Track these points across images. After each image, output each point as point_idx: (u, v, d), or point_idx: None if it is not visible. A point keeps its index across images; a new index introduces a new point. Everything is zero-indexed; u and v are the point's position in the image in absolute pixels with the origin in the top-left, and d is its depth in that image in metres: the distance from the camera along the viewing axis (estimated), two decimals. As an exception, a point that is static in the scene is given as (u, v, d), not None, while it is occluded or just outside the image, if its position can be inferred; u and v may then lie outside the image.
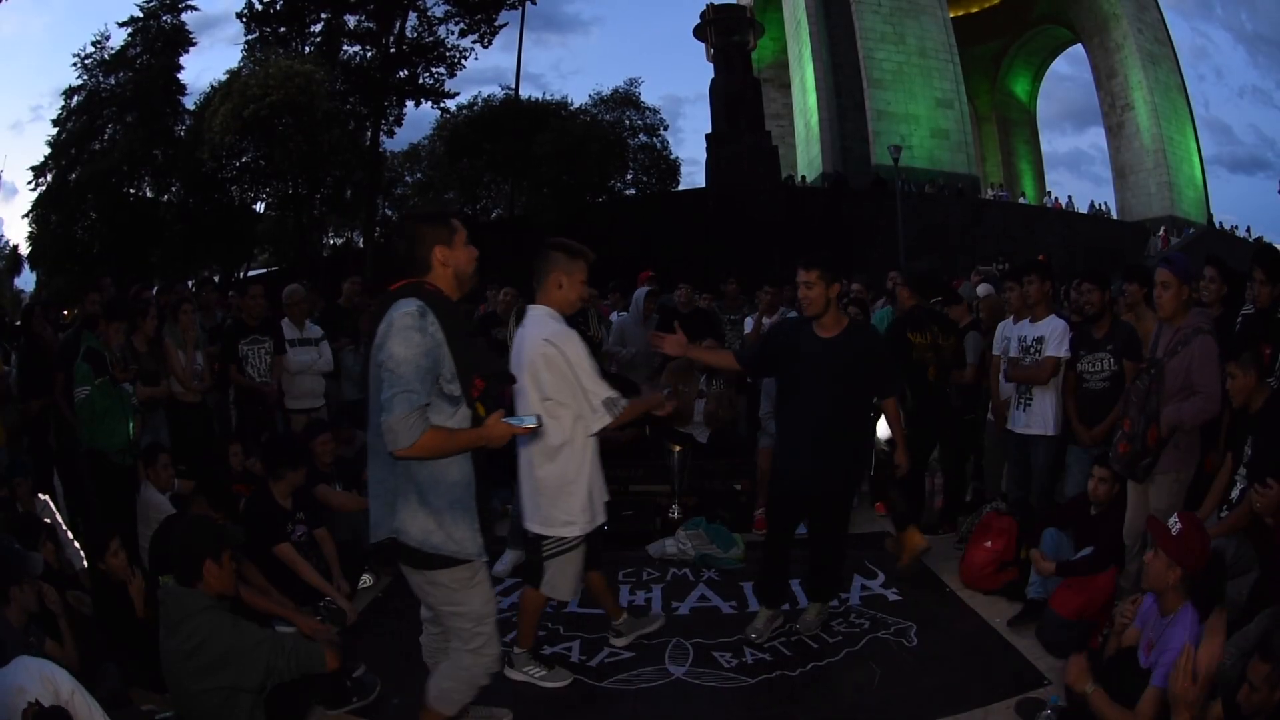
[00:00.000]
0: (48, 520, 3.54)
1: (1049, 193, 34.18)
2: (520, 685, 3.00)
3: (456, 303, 2.20)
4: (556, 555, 2.90)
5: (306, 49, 19.88)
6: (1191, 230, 28.71)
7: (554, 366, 2.71)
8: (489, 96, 21.84)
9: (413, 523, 2.10)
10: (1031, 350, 4.11)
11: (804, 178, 28.64)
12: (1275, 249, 3.86)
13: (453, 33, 21.25)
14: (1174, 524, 2.42)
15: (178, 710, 2.42)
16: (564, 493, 2.82)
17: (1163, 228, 28.00)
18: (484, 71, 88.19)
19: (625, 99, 20.97)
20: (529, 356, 2.75)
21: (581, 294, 2.89)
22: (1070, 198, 31.13)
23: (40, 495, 3.85)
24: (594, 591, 3.30)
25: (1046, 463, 4.08)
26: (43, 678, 2.07)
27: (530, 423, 2.16)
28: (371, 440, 2.15)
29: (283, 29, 20.43)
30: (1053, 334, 4.05)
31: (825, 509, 3.35)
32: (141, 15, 20.90)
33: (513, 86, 22.87)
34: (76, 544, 3.62)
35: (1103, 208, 31.48)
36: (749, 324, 6.18)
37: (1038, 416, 4.08)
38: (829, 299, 3.15)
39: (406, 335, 2.00)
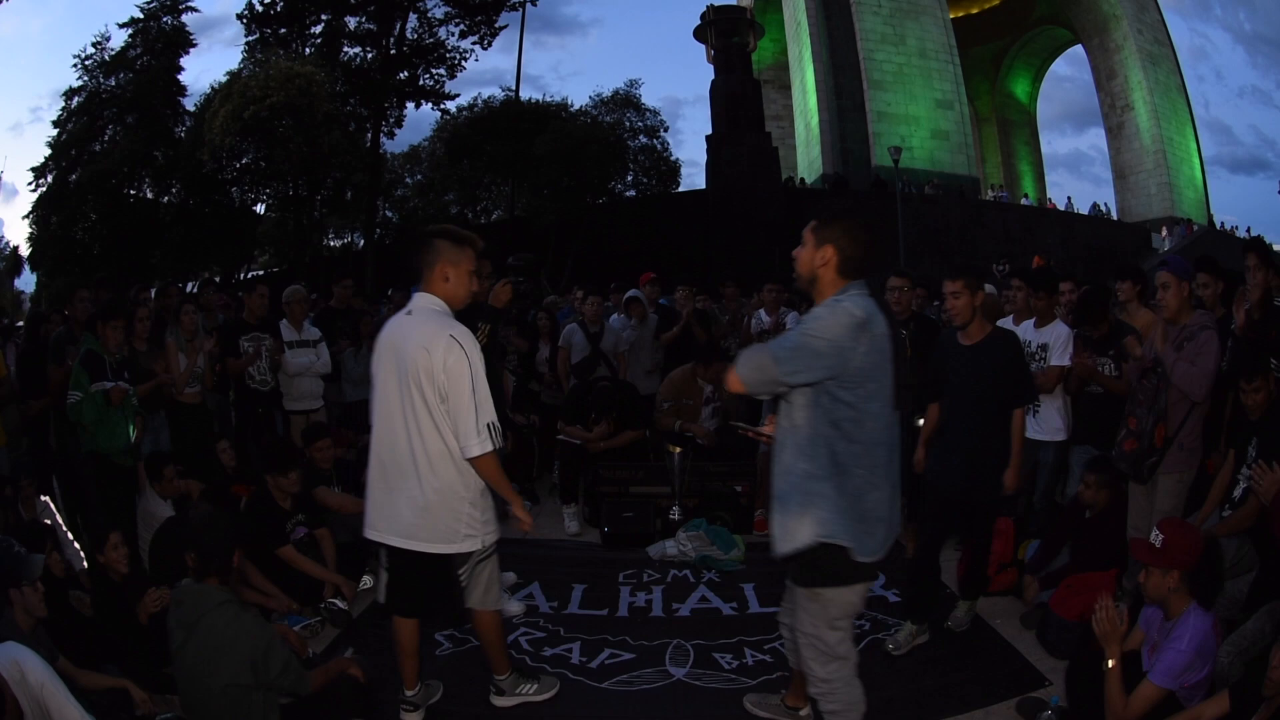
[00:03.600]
0: (48, 521, 3.54)
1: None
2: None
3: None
4: (476, 568, 2.65)
5: (307, 50, 19.90)
6: (1185, 230, 28.65)
7: (456, 369, 2.41)
8: (489, 98, 21.87)
9: None
10: (1036, 357, 4.09)
11: (804, 179, 28.65)
12: (1263, 241, 3.89)
13: (453, 34, 21.31)
14: (1155, 537, 2.43)
15: (188, 710, 2.41)
16: (464, 501, 2.52)
17: (1164, 227, 27.99)
18: (483, 73, 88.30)
19: (625, 100, 20.96)
20: (417, 350, 2.42)
21: (471, 286, 2.61)
22: (1070, 199, 31.19)
23: (41, 497, 3.85)
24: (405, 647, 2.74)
25: (1055, 461, 4.09)
26: (13, 662, 2.05)
27: None
28: None
29: (283, 30, 20.45)
30: (1056, 341, 4.01)
31: (976, 516, 3.36)
32: (142, 16, 20.94)
33: (512, 88, 22.91)
34: (76, 545, 3.62)
35: (1104, 208, 31.51)
36: (755, 322, 6.17)
37: (1046, 424, 4.07)
38: (974, 308, 3.20)
39: None
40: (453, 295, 2.57)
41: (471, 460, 2.46)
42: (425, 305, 2.54)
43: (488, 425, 2.43)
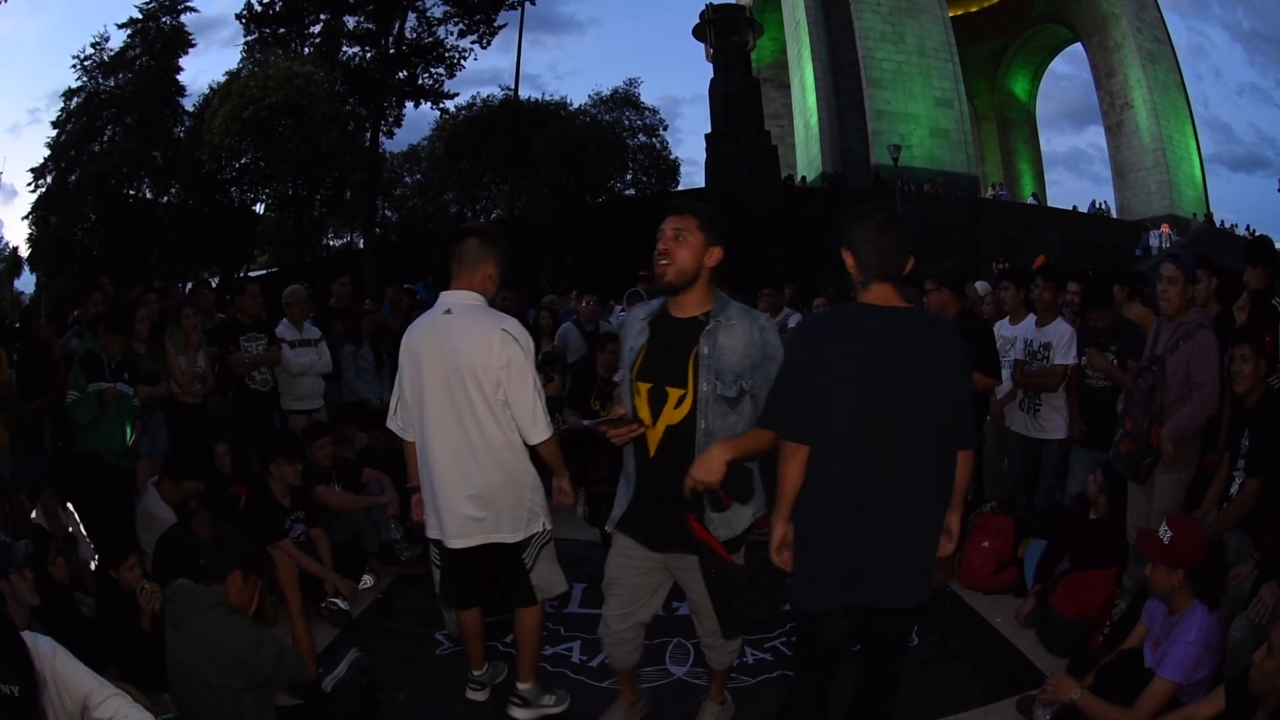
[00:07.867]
0: (70, 529, 3.53)
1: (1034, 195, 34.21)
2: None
3: None
4: (541, 550, 2.69)
5: (306, 50, 19.84)
6: (1170, 224, 28.61)
7: (517, 361, 2.48)
8: (488, 97, 21.81)
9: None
10: (1039, 355, 4.09)
11: (804, 177, 28.65)
12: (1266, 240, 3.88)
13: (452, 33, 21.24)
14: (1164, 533, 2.43)
15: (179, 705, 2.41)
16: (526, 488, 2.61)
17: (1164, 225, 27.96)
18: (482, 72, 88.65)
19: (624, 99, 20.93)
20: (475, 346, 2.45)
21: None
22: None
23: (67, 505, 3.84)
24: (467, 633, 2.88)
25: (1058, 461, 4.09)
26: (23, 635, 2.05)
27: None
28: None
29: (282, 30, 20.40)
30: (1060, 340, 4.00)
31: None
32: (140, 17, 20.93)
33: (511, 87, 22.85)
34: (92, 546, 3.62)
35: (1103, 206, 31.48)
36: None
37: (1049, 423, 4.07)
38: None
39: None
40: (490, 291, 2.63)
41: (537, 445, 2.56)
42: (465, 302, 2.55)
43: (544, 410, 2.55)
